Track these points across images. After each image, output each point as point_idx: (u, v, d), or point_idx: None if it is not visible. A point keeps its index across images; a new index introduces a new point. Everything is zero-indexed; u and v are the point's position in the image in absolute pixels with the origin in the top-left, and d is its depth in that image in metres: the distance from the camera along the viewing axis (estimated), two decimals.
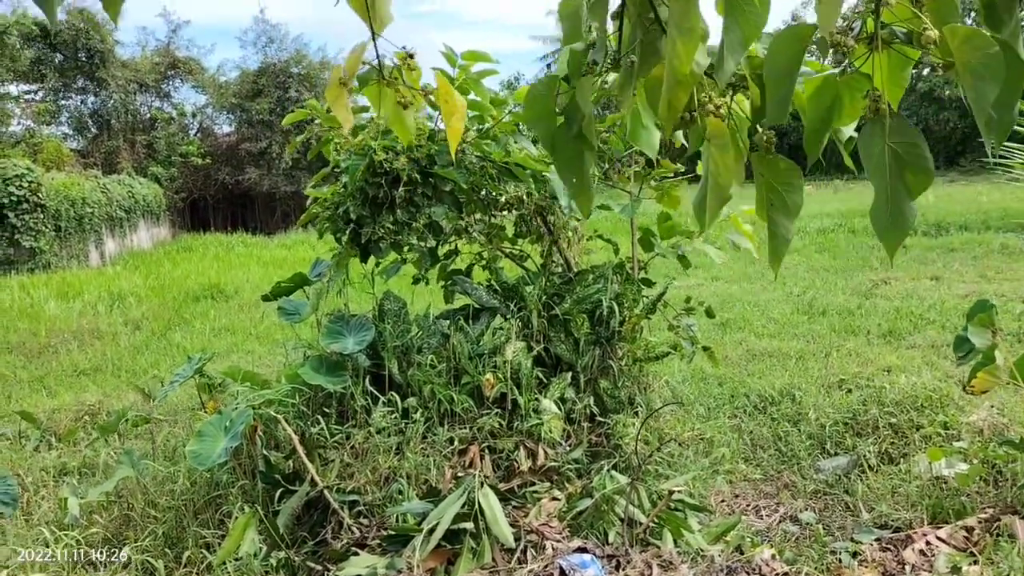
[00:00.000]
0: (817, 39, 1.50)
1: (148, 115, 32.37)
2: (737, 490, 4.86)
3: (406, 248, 5.23)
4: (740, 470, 5.07)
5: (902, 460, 4.85)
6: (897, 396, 5.56)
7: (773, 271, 1.85)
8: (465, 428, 4.63)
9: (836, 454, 5.21)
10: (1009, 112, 1.43)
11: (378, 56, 1.96)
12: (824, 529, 4.15)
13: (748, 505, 4.66)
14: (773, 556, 3.42)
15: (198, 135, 33.63)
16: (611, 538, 3.67)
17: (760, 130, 1.76)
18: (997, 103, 1.39)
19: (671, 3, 1.50)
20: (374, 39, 1.86)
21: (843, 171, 37.06)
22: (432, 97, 2.23)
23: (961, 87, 1.43)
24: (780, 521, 4.41)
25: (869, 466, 4.84)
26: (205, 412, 4.90)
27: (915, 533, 3.65)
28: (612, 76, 1.99)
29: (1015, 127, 4.32)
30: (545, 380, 5.03)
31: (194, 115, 34.07)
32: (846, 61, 1.56)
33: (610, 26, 1.85)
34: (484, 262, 5.81)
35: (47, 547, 3.94)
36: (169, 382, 4.98)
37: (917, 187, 1.50)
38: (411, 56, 2.06)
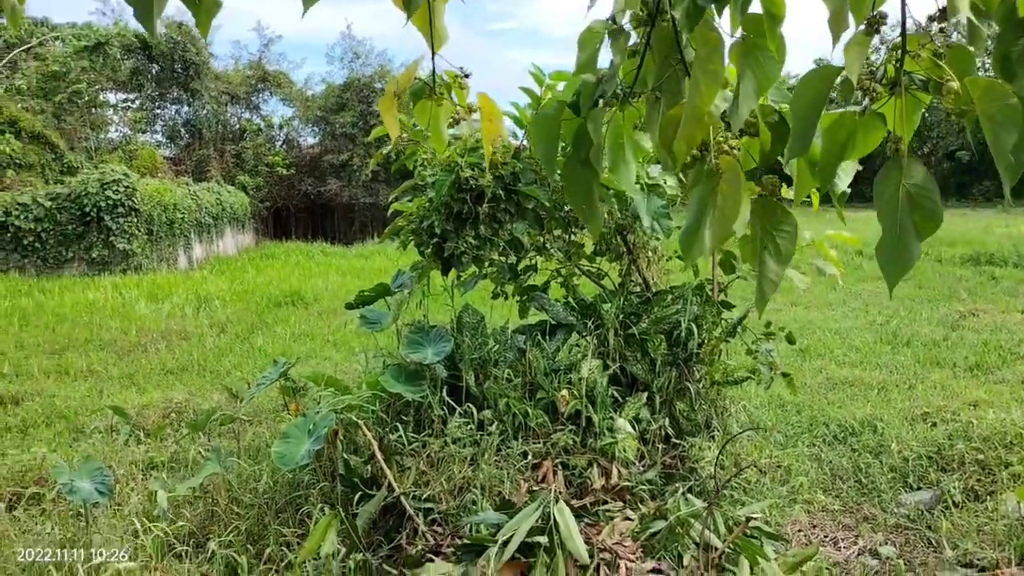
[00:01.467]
0: (842, 81, 1.60)
1: (237, 126, 33.57)
2: (815, 520, 4.76)
3: (486, 263, 5.32)
4: (818, 500, 4.96)
5: (989, 498, 4.68)
6: (985, 432, 5.37)
7: (759, 312, 1.94)
8: (539, 443, 4.66)
9: (919, 488, 5.06)
10: (1021, 156, 1.52)
11: (433, 72, 2.07)
12: (905, 564, 4.04)
13: (826, 536, 4.56)
14: None
15: (283, 146, 34.71)
16: (686, 561, 3.65)
17: (767, 174, 1.87)
18: (1015, 148, 1.48)
19: (698, 47, 1.63)
20: (433, 56, 1.99)
21: None
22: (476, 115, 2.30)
23: (975, 131, 1.54)
24: (859, 554, 4.31)
25: (954, 502, 4.68)
26: (288, 414, 5.05)
27: (1002, 573, 3.52)
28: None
29: None
30: (620, 399, 5.02)
31: (281, 127, 35.20)
32: (866, 101, 1.65)
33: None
34: (561, 279, 5.85)
35: (136, 537, 4.12)
36: (256, 384, 5.15)
37: (925, 230, 1.58)
38: (467, 76, 2.17)
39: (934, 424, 5.99)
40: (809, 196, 5.08)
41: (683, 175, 1.89)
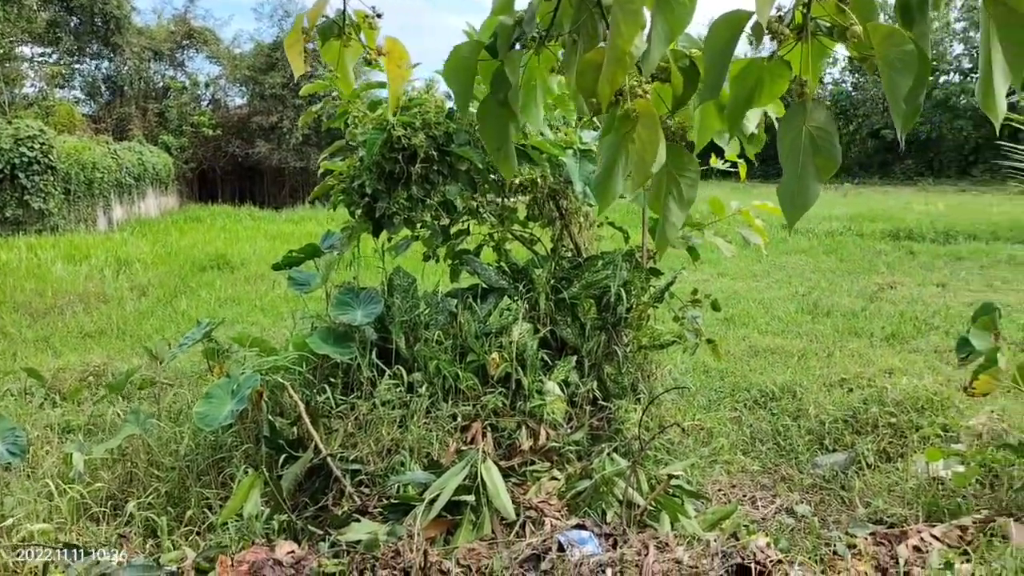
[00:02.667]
0: (753, 25, 1.63)
1: (161, 83, 32.35)
2: (735, 480, 4.90)
3: (418, 225, 5.26)
4: (738, 461, 5.11)
5: (900, 459, 4.89)
6: (898, 397, 5.59)
7: (658, 255, 2.00)
8: (468, 405, 4.67)
9: (835, 450, 5.25)
10: (916, 101, 1.60)
11: (344, 10, 2.04)
12: (819, 522, 4.19)
13: (745, 495, 4.71)
14: (768, 544, 3.45)
15: (210, 106, 33.61)
16: (609, 518, 3.71)
17: (677, 118, 1.95)
18: (909, 94, 1.54)
19: None
20: None
21: (853, 175, 37.00)
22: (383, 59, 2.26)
23: (879, 78, 1.57)
24: (776, 512, 4.45)
25: (867, 464, 4.88)
26: (212, 377, 4.94)
27: (910, 529, 3.68)
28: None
29: (1021, 130, 4.34)
30: (550, 362, 5.06)
31: (207, 86, 34.04)
32: (773, 47, 1.70)
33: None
34: (494, 243, 5.84)
35: (51, 500, 3.99)
36: (178, 345, 5.02)
37: (825, 170, 1.65)
38: (378, 15, 2.14)
39: (850, 390, 6.21)
40: (736, 167, 5.15)
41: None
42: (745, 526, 3.99)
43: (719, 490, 4.75)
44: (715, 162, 5.25)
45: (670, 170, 1.86)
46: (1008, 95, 1.56)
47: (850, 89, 39.11)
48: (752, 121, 2.05)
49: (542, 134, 4.78)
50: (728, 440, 5.35)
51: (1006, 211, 20.20)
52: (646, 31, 1.62)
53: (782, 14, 1.65)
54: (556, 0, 1.87)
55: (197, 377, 6.27)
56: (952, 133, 35.34)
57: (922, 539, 3.53)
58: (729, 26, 1.64)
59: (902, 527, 3.83)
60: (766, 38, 1.64)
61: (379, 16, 2.10)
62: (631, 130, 1.74)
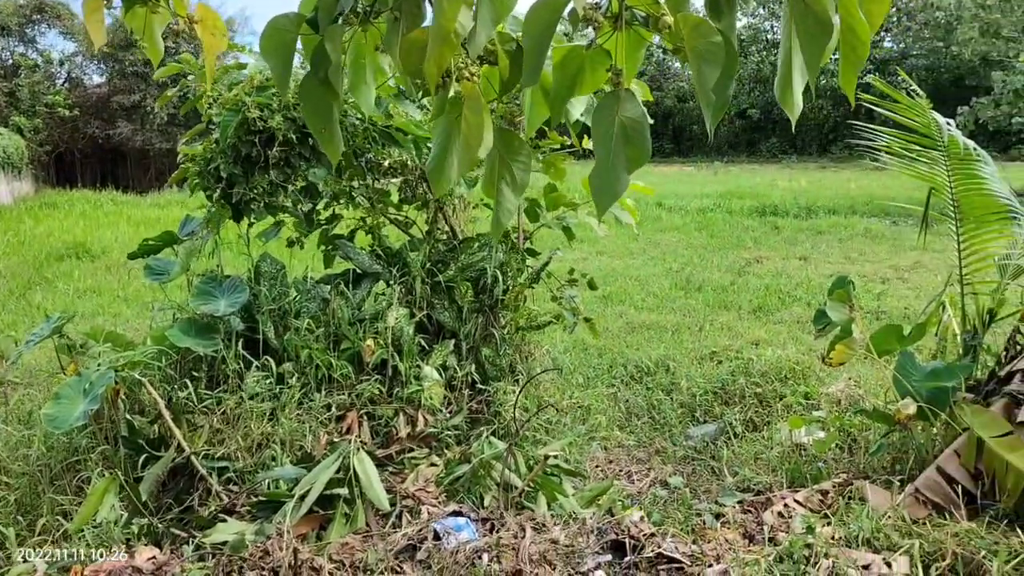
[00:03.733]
0: (569, 12, 1.64)
1: (10, 61, 30.12)
2: (611, 456, 4.99)
3: (280, 210, 5.07)
4: (615, 437, 5.20)
5: (765, 428, 5.09)
6: (763, 368, 5.83)
7: (494, 239, 2.03)
8: (344, 394, 4.55)
9: (705, 422, 5.42)
10: (726, 92, 1.65)
11: None
12: (691, 493, 4.31)
13: (621, 470, 4.80)
14: (642, 518, 3.52)
15: (66, 85, 31.58)
16: (487, 502, 3.70)
17: (505, 101, 1.92)
18: (717, 85, 1.57)
19: None
20: None
21: (723, 154, 38.45)
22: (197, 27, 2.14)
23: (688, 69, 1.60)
24: (651, 485, 4.56)
25: (735, 433, 5.06)
26: (65, 375, 4.62)
27: (774, 496, 3.83)
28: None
29: (875, 110, 4.56)
30: (427, 347, 5.00)
31: (62, 63, 31.97)
32: (592, 36, 1.71)
33: None
34: (367, 227, 5.70)
35: None
36: (24, 342, 4.67)
37: (635, 161, 1.66)
38: None
39: (720, 362, 6.44)
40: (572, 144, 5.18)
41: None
42: (621, 501, 4.05)
43: (596, 467, 4.82)
44: (587, 143, 5.28)
45: (502, 155, 1.84)
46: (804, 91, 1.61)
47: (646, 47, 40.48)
48: (577, 108, 2.05)
49: (407, 114, 4.68)
50: (605, 416, 5.44)
51: (863, 186, 21.45)
52: (472, 10, 1.58)
53: (599, 2, 1.65)
54: None
55: (50, 375, 5.87)
56: (813, 112, 37.18)
57: (786, 505, 3.68)
58: (546, 12, 1.63)
59: (767, 494, 3.98)
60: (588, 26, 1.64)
61: None
62: (460, 113, 1.71)
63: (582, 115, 2.11)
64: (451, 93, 1.73)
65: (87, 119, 30.29)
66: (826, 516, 3.50)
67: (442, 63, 1.61)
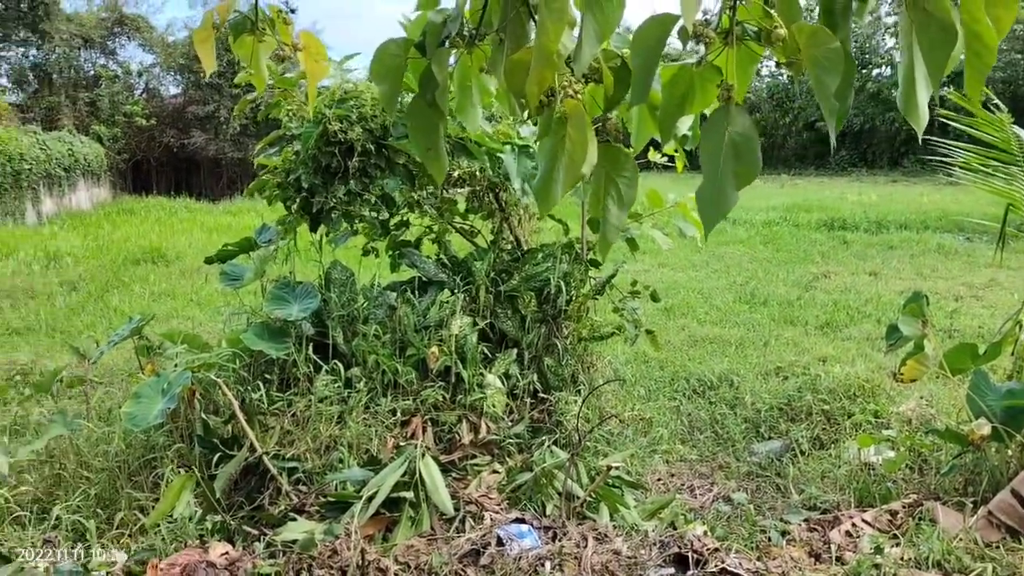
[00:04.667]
0: (679, 29, 1.62)
1: (92, 72, 31.34)
2: (673, 470, 4.96)
3: (357, 219, 5.19)
4: (677, 450, 5.17)
5: (833, 446, 5.00)
6: (831, 384, 5.73)
7: (601, 256, 2.01)
8: (408, 400, 4.63)
9: (770, 438, 5.35)
10: (846, 101, 1.62)
11: (256, 4, 1.98)
12: (755, 509, 4.27)
13: (683, 484, 4.77)
14: (705, 533, 3.50)
15: (143, 95, 32.66)
16: (549, 510, 3.72)
17: (611, 119, 1.90)
18: (836, 93, 1.54)
19: None
20: None
21: (790, 167, 37.78)
22: (300, 54, 2.22)
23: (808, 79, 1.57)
24: (713, 500, 4.52)
25: (801, 451, 4.98)
26: (143, 375, 4.81)
27: (842, 515, 3.77)
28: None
29: (948, 124, 4.47)
30: (490, 355, 5.05)
31: (140, 74, 33.09)
32: (702, 53, 1.69)
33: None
34: (434, 236, 5.80)
35: None
36: (106, 342, 4.87)
37: (744, 177, 1.63)
38: (292, 11, 2.10)
39: (786, 378, 6.35)
40: (673, 159, 5.18)
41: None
42: (683, 515, 4.04)
43: (658, 480, 4.80)
44: (653, 155, 5.29)
45: (607, 171, 1.83)
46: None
47: (786, 81, 39.83)
48: (684, 125, 2.04)
49: (480, 127, 4.75)
50: (667, 430, 5.41)
51: (935, 201, 20.83)
52: (576, 30, 1.60)
53: (709, 18, 1.64)
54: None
55: (129, 375, 6.10)
56: (884, 125, 36.27)
57: (854, 524, 3.62)
58: (655, 30, 1.62)
59: (835, 513, 3.92)
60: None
61: (293, 11, 2.05)
62: (565, 132, 1.71)
63: (688, 130, 2.10)
64: (556, 112, 1.73)
65: (163, 128, 31.30)
66: (895, 537, 3.43)
67: (544, 83, 1.63)
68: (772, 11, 1.60)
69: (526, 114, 1.86)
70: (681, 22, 1.58)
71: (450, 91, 1.95)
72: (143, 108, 30.75)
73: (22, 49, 29.52)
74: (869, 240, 15.33)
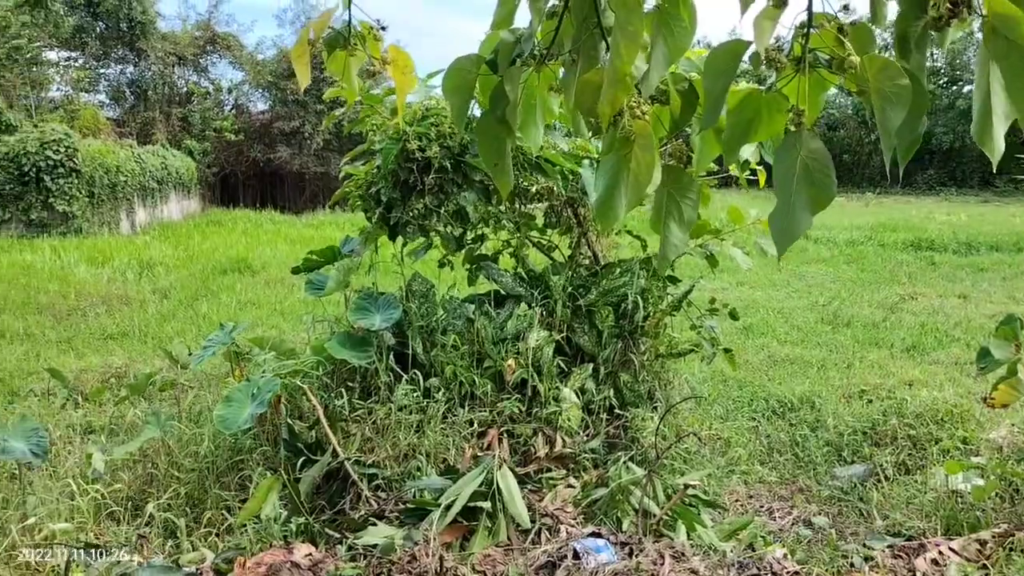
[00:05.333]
0: (751, 55, 1.63)
1: (185, 88, 32.68)
2: (752, 491, 4.88)
3: (432, 233, 5.29)
4: (756, 471, 5.09)
5: (919, 472, 4.85)
6: (917, 409, 5.55)
7: (660, 273, 2.02)
8: (485, 411, 4.68)
9: (853, 462, 5.22)
10: (914, 134, 1.61)
11: (349, 21, 2.06)
12: (837, 534, 4.17)
13: (762, 506, 4.68)
14: (785, 556, 3.44)
15: (233, 111, 33.89)
16: (625, 526, 3.71)
17: (678, 139, 1.93)
18: (903, 126, 1.53)
19: (617, 9, 1.64)
20: (348, 5, 2.00)
21: (875, 185, 36.75)
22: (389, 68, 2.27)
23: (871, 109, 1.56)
24: (793, 524, 4.43)
25: (885, 476, 4.84)
26: (232, 379, 4.99)
27: (928, 543, 3.65)
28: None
29: None
30: (566, 369, 5.07)
31: (230, 91, 34.33)
32: (772, 77, 1.69)
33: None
34: (511, 250, 5.85)
35: (72, 500, 4.04)
36: (202, 347, 5.07)
37: (818, 202, 1.62)
38: (383, 28, 2.16)
39: (870, 401, 6.17)
40: (755, 174, 5.14)
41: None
42: (762, 537, 3.97)
43: (736, 500, 4.73)
44: (734, 170, 5.24)
45: (671, 191, 1.85)
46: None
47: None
48: (747, 150, 2.05)
49: (556, 146, 4.80)
50: (745, 450, 5.33)
51: None
52: (647, 53, 1.63)
53: (781, 44, 1.65)
54: (558, 19, 1.87)
55: (218, 380, 6.33)
56: (974, 143, 34.97)
57: (940, 552, 3.50)
58: (727, 56, 1.63)
59: (920, 540, 3.80)
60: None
61: (384, 28, 2.13)
62: (629, 151, 1.74)
63: (749, 155, 2.12)
64: (622, 131, 1.75)
65: (250, 143, 32.40)
66: (984, 567, 3.31)
67: (616, 103, 1.66)
68: (845, 39, 1.59)
69: (590, 133, 1.88)
70: (753, 47, 1.59)
71: None
72: (232, 123, 31.91)
73: (120, 66, 30.99)
74: (958, 261, 14.79)
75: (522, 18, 1.99)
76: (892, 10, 1.65)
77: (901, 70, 1.51)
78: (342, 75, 2.15)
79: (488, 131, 2.04)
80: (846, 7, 1.62)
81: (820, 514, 4.55)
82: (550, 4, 1.89)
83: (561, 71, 1.99)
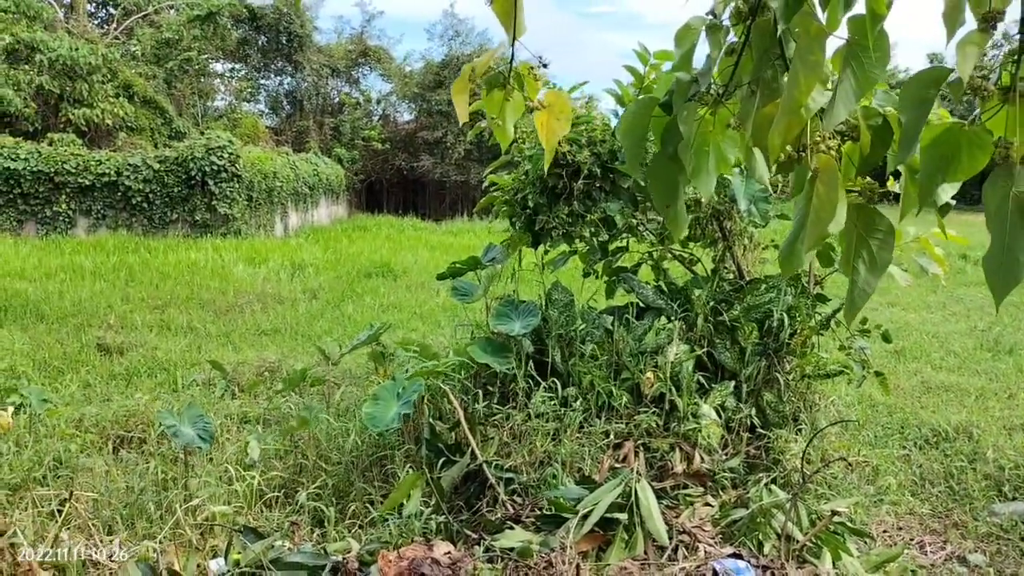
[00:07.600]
0: (952, 81, 1.50)
1: (337, 99, 34.34)
2: (901, 522, 4.62)
3: (577, 240, 5.32)
4: (906, 502, 4.82)
5: None
6: None
7: (847, 322, 1.87)
8: (621, 423, 4.66)
9: (1015, 499, 4.85)
10: None
11: (511, 64, 2.06)
12: (995, 573, 3.90)
13: (912, 539, 4.43)
14: None
15: (380, 121, 35.31)
16: (766, 550, 3.61)
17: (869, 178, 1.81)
18: None
19: (798, 37, 1.58)
20: (512, 45, 1.98)
21: None
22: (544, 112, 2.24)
23: None
24: (946, 560, 4.17)
25: None
26: (377, 378, 5.19)
27: None
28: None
29: None
30: (706, 385, 4.97)
31: (378, 102, 35.83)
32: (976, 111, 1.55)
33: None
34: (653, 262, 5.80)
35: (230, 485, 4.32)
36: (350, 345, 5.30)
37: None
38: (544, 66, 2.16)
39: None
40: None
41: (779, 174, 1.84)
42: (912, 571, 3.77)
43: (884, 531, 4.50)
44: (892, 184, 5.00)
45: (860, 231, 1.73)
46: None
47: None
48: (949, 190, 1.88)
49: None
50: (896, 479, 5.05)
51: None
52: (829, 84, 1.57)
53: (986, 73, 1.53)
54: (738, 55, 1.82)
55: (363, 378, 6.59)
56: None
57: None
58: (926, 83, 1.52)
59: None
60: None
61: (545, 66, 2.14)
62: (812, 189, 1.65)
63: (949, 198, 1.93)
64: (807, 167, 1.67)
65: (395, 152, 33.67)
66: None
67: (788, 135, 1.60)
68: None
69: (772, 172, 1.83)
70: (955, 74, 1.48)
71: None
72: (379, 133, 33.24)
73: (279, 78, 32.93)
74: None
75: (697, 60, 1.95)
76: None
77: None
78: (498, 114, 2.16)
79: (660, 172, 1.99)
80: None
81: (976, 551, 4.26)
82: (729, 39, 1.85)
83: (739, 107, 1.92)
